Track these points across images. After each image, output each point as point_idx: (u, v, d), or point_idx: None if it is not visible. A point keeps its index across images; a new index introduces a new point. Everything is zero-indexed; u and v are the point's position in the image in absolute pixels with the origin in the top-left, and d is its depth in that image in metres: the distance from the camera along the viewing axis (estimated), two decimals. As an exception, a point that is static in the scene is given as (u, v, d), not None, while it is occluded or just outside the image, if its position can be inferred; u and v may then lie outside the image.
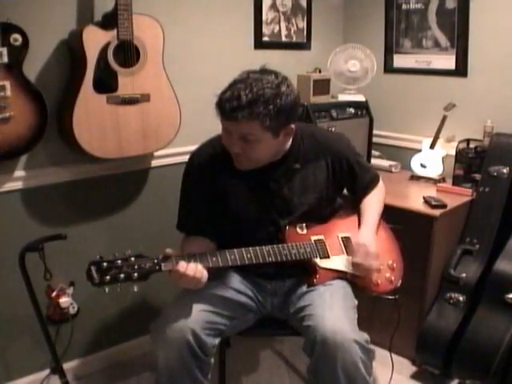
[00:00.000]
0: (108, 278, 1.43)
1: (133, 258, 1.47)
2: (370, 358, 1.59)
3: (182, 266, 1.50)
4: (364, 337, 1.58)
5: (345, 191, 1.96)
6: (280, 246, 1.68)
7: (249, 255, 1.62)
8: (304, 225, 1.77)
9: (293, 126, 1.66)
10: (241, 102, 1.51)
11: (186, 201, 1.82)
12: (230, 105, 1.52)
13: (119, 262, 1.45)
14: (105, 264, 1.43)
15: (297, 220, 1.77)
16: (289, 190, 1.76)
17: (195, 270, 1.51)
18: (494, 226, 2.33)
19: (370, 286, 1.79)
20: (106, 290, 1.45)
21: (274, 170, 1.73)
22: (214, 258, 1.57)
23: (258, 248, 1.64)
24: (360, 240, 1.77)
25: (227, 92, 1.55)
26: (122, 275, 1.44)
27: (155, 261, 1.48)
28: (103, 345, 2.42)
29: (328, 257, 1.75)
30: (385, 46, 2.90)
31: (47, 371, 2.14)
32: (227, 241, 1.70)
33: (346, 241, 1.81)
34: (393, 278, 1.84)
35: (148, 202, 2.42)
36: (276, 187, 1.75)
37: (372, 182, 1.94)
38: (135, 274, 1.45)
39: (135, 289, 1.47)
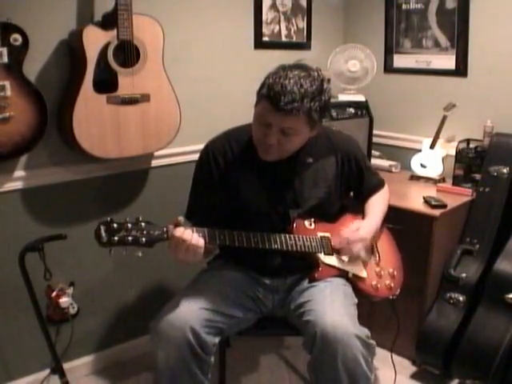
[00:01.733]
0: (116, 238, 1.44)
1: (143, 224, 1.49)
2: (371, 353, 1.60)
3: (179, 230, 1.51)
4: (364, 332, 1.59)
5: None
6: (287, 235, 1.70)
7: (256, 239, 1.64)
8: (312, 220, 1.79)
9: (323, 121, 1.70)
10: (294, 95, 1.53)
11: (196, 191, 1.84)
12: (285, 98, 1.53)
13: (129, 225, 1.46)
14: (115, 225, 1.45)
15: (305, 214, 1.78)
16: (300, 182, 1.78)
17: (191, 235, 1.52)
18: (494, 226, 2.34)
19: (369, 288, 1.81)
20: (112, 252, 1.45)
21: (288, 162, 1.75)
22: (222, 237, 1.60)
23: (265, 233, 1.67)
24: (355, 225, 1.81)
25: (277, 85, 1.55)
26: (130, 238, 1.45)
27: (164, 229, 1.51)
28: (103, 345, 2.42)
29: (332, 254, 1.77)
30: (385, 46, 2.90)
31: (47, 371, 2.14)
32: None
33: None
34: (392, 285, 1.87)
35: (148, 202, 2.41)
36: (288, 179, 1.77)
37: (378, 186, 1.98)
38: (143, 239, 1.46)
39: (139, 254, 1.48)
